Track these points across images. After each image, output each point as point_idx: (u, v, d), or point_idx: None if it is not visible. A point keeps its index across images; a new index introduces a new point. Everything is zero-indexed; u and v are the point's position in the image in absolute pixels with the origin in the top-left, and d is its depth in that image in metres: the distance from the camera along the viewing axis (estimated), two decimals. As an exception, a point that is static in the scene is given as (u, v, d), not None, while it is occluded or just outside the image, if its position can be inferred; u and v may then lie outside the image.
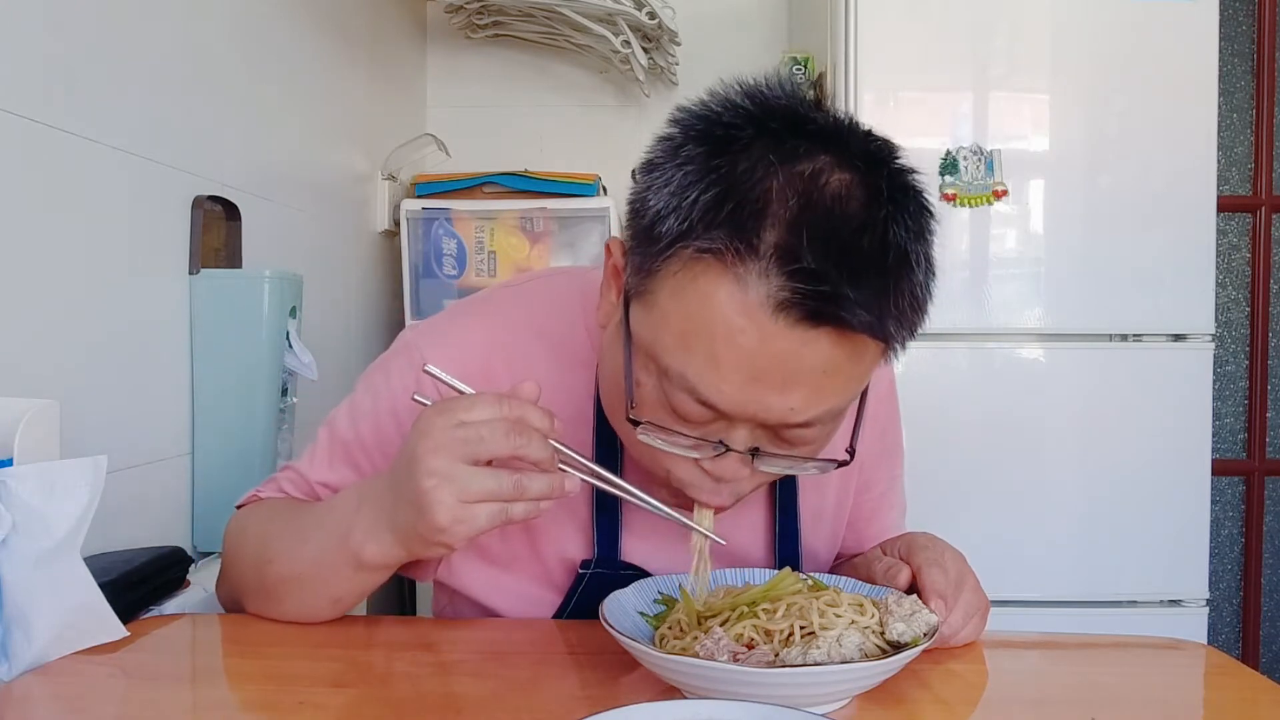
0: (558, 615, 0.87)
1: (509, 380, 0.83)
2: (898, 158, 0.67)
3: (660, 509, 0.72)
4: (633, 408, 0.70)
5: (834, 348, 0.64)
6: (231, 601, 0.88)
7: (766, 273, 0.61)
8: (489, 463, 0.67)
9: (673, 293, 0.65)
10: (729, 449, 0.68)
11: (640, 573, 0.83)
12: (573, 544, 0.85)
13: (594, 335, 0.85)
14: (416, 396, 0.72)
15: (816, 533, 0.92)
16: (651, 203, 0.66)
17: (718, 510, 0.75)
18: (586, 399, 0.85)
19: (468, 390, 0.71)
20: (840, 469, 0.94)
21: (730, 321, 0.63)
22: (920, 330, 0.68)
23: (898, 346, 0.68)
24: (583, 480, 0.72)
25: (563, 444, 0.70)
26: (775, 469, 0.72)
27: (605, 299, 0.76)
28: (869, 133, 0.68)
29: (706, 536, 0.74)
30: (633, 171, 0.71)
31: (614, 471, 0.84)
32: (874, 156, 0.66)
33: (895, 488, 1.01)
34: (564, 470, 0.70)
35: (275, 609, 0.81)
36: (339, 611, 0.80)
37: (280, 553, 0.79)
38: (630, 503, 0.84)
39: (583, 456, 0.71)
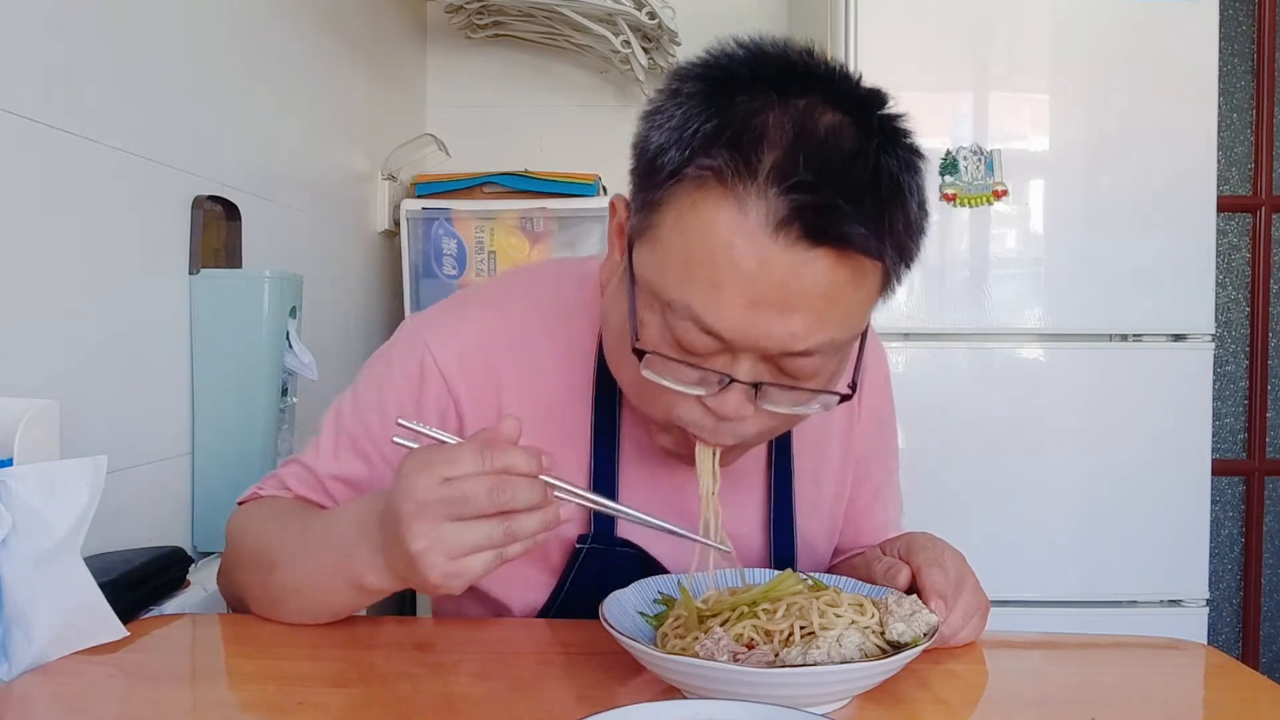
0: (555, 594, 0.87)
1: (511, 368, 0.85)
2: (888, 103, 0.70)
3: (663, 525, 0.71)
4: (638, 340, 0.70)
5: (833, 270, 0.65)
6: (233, 598, 0.88)
7: (764, 193, 0.63)
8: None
9: (675, 223, 0.67)
10: (733, 380, 0.68)
11: (635, 550, 0.84)
12: (570, 522, 0.85)
13: (593, 321, 0.86)
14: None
15: (814, 524, 0.93)
16: (653, 139, 0.68)
17: (724, 456, 0.75)
18: (585, 386, 0.86)
19: (447, 438, 0.69)
20: (836, 462, 0.95)
21: (731, 244, 0.64)
22: (917, 258, 0.70)
23: (895, 275, 0.70)
24: (579, 505, 0.71)
25: (554, 477, 0.68)
26: (779, 407, 0.71)
27: (609, 259, 0.78)
28: (860, 80, 0.70)
29: (712, 546, 0.73)
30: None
31: (613, 450, 0.85)
32: (865, 100, 0.68)
33: (891, 483, 1.02)
34: (560, 499, 0.68)
35: (277, 611, 0.81)
36: (340, 617, 0.80)
37: (281, 561, 0.79)
38: (626, 482, 0.85)
39: (576, 486, 0.70)
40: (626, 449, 0.86)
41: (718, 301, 0.66)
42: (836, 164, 0.64)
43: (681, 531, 0.71)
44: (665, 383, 0.70)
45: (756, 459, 0.91)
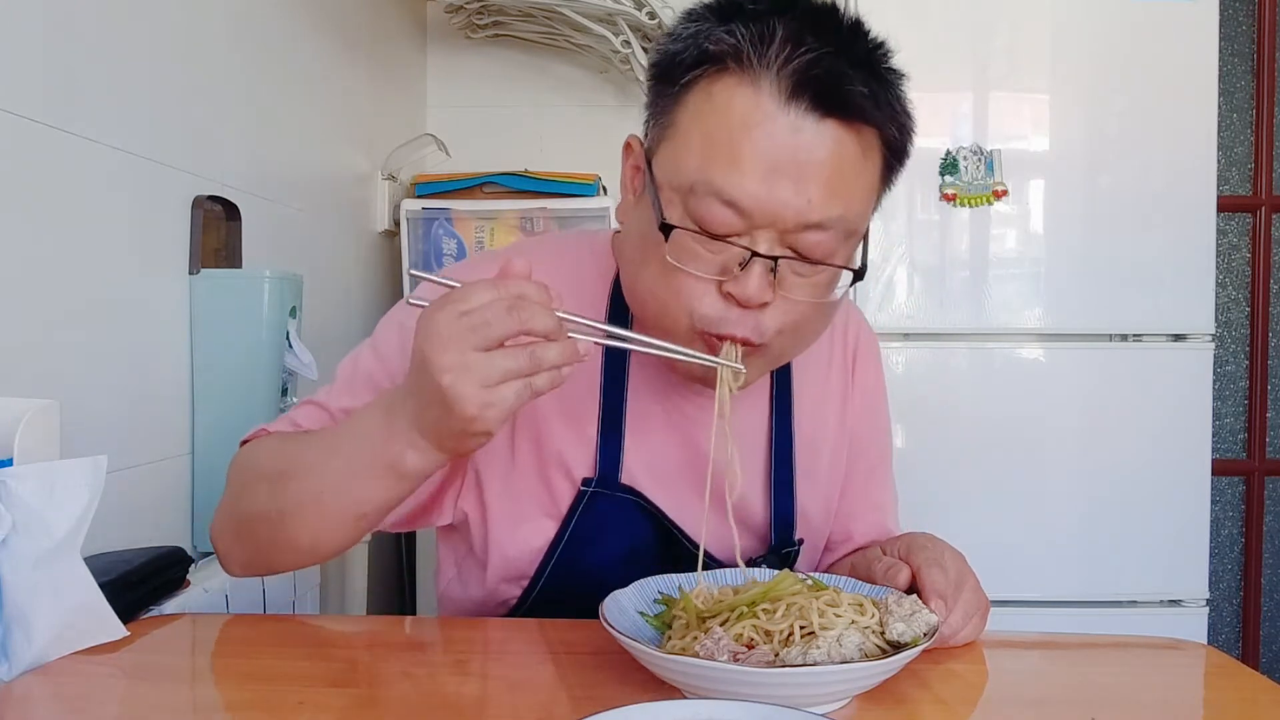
0: (557, 538, 0.88)
1: None
2: (873, 34, 0.78)
3: (677, 350, 0.74)
4: (663, 217, 0.74)
5: (841, 141, 0.73)
6: (231, 536, 0.84)
7: (775, 69, 0.71)
8: (500, 345, 0.66)
9: (693, 114, 0.74)
10: (754, 255, 0.73)
11: (638, 498, 0.88)
12: (577, 461, 0.88)
13: (606, 281, 0.90)
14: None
15: (810, 490, 0.95)
16: (672, 49, 0.76)
17: (746, 351, 0.77)
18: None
19: (456, 284, 0.69)
20: (833, 432, 0.99)
21: (747, 117, 0.72)
22: (909, 152, 0.79)
23: (894, 162, 0.78)
24: (596, 342, 0.72)
25: (566, 312, 0.68)
26: (797, 293, 0.76)
27: (624, 200, 0.83)
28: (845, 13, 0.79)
29: (728, 366, 0.76)
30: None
31: (621, 395, 0.89)
32: (853, 23, 0.77)
33: (886, 465, 1.04)
34: (574, 338, 0.69)
35: (289, 530, 0.78)
36: (360, 531, 0.78)
37: (299, 471, 0.77)
38: (635, 430, 0.89)
39: (589, 319, 0.70)
40: (635, 408, 0.89)
41: (738, 172, 0.71)
42: (837, 42, 0.72)
43: (689, 354, 0.74)
44: (688, 268, 0.74)
45: (759, 421, 0.93)
